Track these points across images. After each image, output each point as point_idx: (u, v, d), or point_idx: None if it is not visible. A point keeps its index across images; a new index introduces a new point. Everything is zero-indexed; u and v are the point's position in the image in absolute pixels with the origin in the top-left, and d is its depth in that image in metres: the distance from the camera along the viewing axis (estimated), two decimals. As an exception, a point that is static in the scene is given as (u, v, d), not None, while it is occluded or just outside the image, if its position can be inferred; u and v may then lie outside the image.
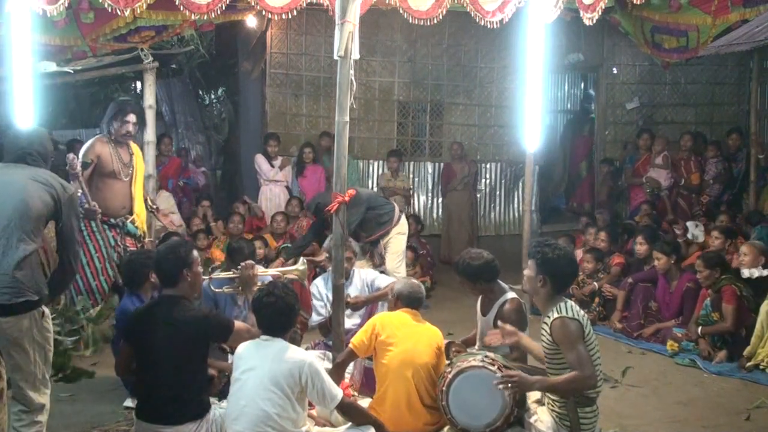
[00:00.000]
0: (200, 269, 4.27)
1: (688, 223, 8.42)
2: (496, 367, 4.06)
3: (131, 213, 6.11)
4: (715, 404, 5.35)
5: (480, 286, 4.76)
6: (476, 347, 4.90)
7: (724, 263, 6.55)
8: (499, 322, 4.46)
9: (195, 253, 4.23)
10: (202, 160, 11.99)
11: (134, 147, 6.24)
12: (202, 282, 4.40)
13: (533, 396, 4.17)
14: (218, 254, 7.97)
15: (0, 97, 7.63)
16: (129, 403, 4.87)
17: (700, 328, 6.38)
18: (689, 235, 8.13)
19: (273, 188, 9.71)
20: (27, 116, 6.03)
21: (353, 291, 5.84)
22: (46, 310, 3.89)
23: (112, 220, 5.96)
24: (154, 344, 3.90)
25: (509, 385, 3.88)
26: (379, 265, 7.32)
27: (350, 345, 4.55)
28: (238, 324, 4.08)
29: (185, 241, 4.72)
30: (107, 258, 5.95)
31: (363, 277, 5.89)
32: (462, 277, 4.80)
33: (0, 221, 3.76)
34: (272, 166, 9.71)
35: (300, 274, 5.47)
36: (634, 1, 6.66)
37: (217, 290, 4.98)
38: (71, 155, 5.88)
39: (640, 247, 7.46)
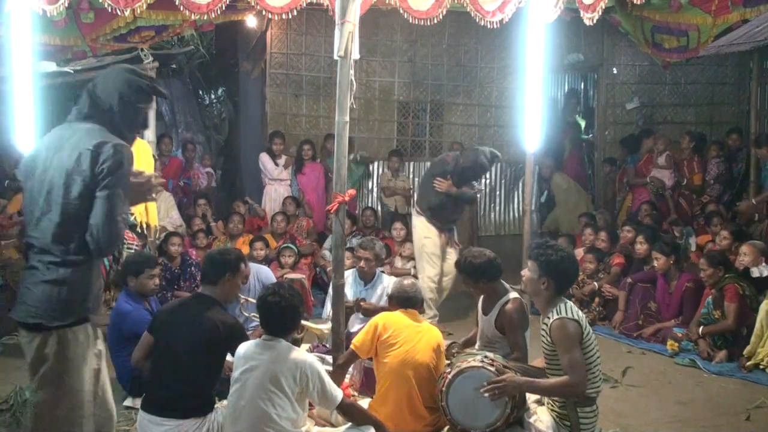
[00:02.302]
0: (241, 283, 4.33)
1: (685, 230, 8.46)
2: (495, 367, 4.06)
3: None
4: (715, 404, 5.36)
5: (482, 284, 4.75)
6: (476, 347, 4.91)
7: (728, 262, 6.56)
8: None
9: (244, 266, 4.40)
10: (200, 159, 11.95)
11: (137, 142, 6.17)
12: (237, 293, 4.47)
13: (533, 396, 4.17)
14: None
15: (0, 97, 7.64)
16: (128, 402, 4.87)
17: (701, 329, 6.38)
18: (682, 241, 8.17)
19: (277, 188, 9.71)
20: (27, 116, 6.04)
21: (374, 297, 5.81)
22: None
23: None
24: (178, 338, 3.95)
25: (496, 392, 3.90)
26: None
27: (352, 346, 4.54)
28: None
29: (240, 252, 4.73)
30: None
31: (385, 285, 5.80)
32: (464, 275, 4.80)
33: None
34: (276, 164, 9.70)
35: (320, 333, 5.44)
36: (635, 1, 6.65)
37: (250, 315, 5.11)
38: None
39: (640, 246, 7.46)
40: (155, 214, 6.40)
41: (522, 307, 4.65)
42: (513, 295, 4.71)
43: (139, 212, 6.23)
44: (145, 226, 6.30)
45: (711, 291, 6.47)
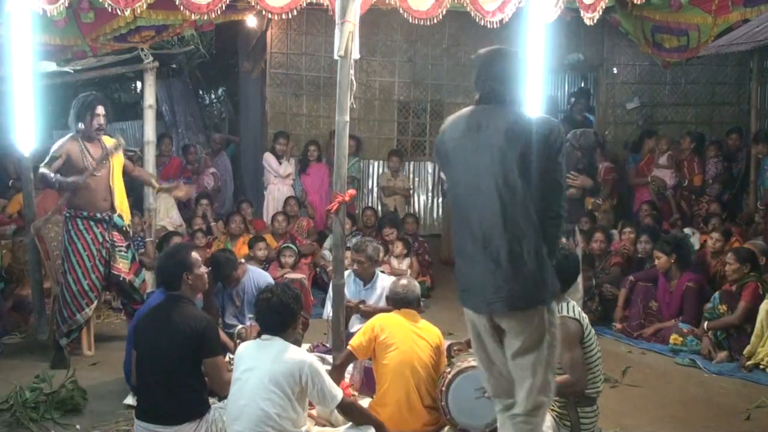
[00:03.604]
0: (202, 269, 4.30)
1: (686, 230, 8.45)
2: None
3: (113, 208, 6.02)
4: (715, 404, 5.36)
5: None
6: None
7: (755, 260, 6.55)
8: None
9: (194, 254, 4.30)
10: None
11: (108, 140, 6.08)
12: (204, 283, 4.42)
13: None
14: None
15: (0, 97, 7.65)
16: (129, 400, 4.87)
17: (705, 323, 6.39)
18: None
19: (281, 187, 9.70)
20: (27, 116, 6.05)
21: (373, 297, 5.81)
22: None
23: (98, 215, 5.91)
24: (154, 344, 3.93)
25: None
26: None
27: (349, 347, 4.54)
28: (222, 359, 4.12)
29: (184, 245, 4.75)
30: (96, 255, 5.90)
31: (384, 285, 5.73)
32: None
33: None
34: (281, 164, 9.70)
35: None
36: (635, 1, 6.65)
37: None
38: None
39: (645, 246, 7.47)
40: (128, 209, 6.33)
41: None
42: None
43: (124, 211, 6.20)
44: (128, 225, 6.26)
45: (731, 287, 6.46)
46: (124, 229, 6.11)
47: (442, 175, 3.17)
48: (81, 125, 5.88)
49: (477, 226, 3.29)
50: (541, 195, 3.25)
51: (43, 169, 5.74)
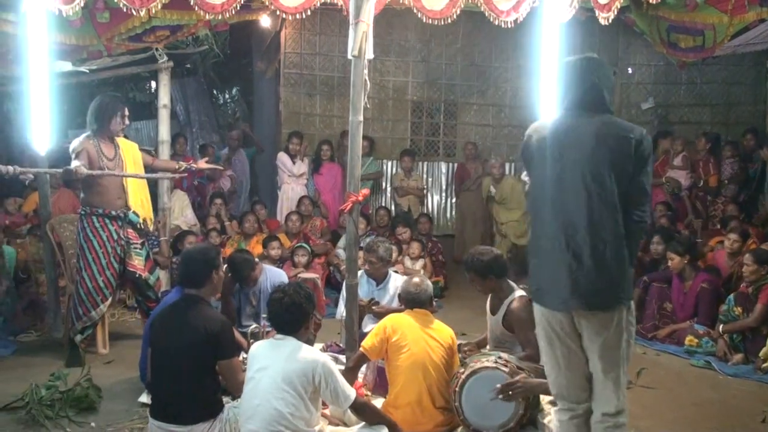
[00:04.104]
0: (222, 272, 4.34)
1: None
2: (508, 368, 4.05)
3: (127, 205, 6.06)
4: (730, 406, 5.32)
5: (490, 282, 4.74)
6: (488, 348, 4.90)
7: None
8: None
9: (220, 256, 4.39)
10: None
11: (120, 141, 6.13)
12: (220, 285, 4.45)
13: (547, 396, 4.15)
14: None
15: (16, 96, 7.70)
16: (144, 399, 4.89)
17: (721, 326, 6.35)
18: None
19: (294, 187, 9.71)
20: (43, 115, 6.09)
21: (386, 297, 5.81)
22: None
23: (113, 212, 5.95)
24: (170, 344, 3.94)
25: (510, 393, 3.90)
26: None
27: (361, 348, 4.51)
28: (237, 360, 4.12)
29: (213, 245, 4.75)
30: (111, 252, 5.94)
31: (397, 285, 5.71)
32: (472, 273, 4.79)
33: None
34: (294, 163, 9.71)
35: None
36: (650, 1, 6.61)
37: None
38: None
39: (657, 247, 7.42)
40: (150, 207, 6.38)
41: (529, 304, 4.63)
42: (519, 293, 4.70)
43: (144, 208, 6.24)
44: (143, 223, 6.29)
45: (747, 288, 6.41)
46: (138, 226, 6.15)
47: (525, 177, 3.29)
48: (104, 125, 5.94)
49: (562, 226, 3.39)
50: (629, 200, 3.39)
51: (75, 162, 5.75)
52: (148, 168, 6.40)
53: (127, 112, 6.08)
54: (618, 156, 3.35)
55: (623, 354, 3.41)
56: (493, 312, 4.82)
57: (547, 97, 5.94)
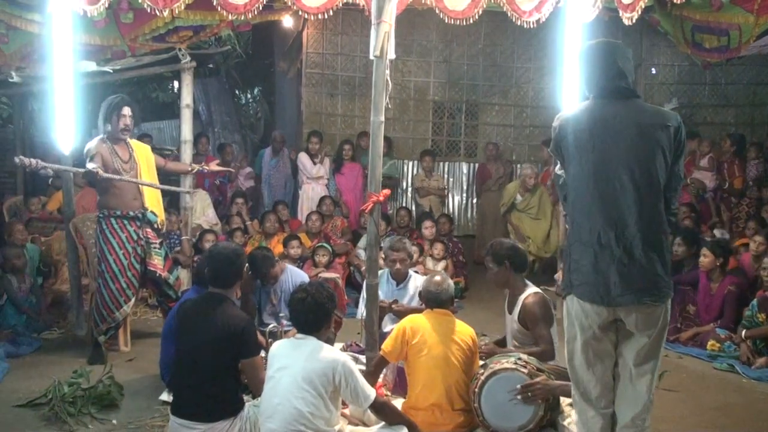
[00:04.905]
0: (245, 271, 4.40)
1: (715, 231, 8.32)
2: (528, 370, 4.03)
3: (144, 206, 6.09)
4: (754, 410, 5.26)
5: (504, 271, 4.72)
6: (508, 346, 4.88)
7: None
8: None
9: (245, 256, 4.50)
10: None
11: (133, 143, 6.16)
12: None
13: (567, 398, 4.13)
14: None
15: (41, 96, 7.78)
16: (165, 397, 4.92)
17: (743, 332, 6.28)
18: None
19: (315, 187, 9.72)
20: (67, 115, 6.16)
21: (406, 297, 5.78)
22: None
23: (131, 213, 5.98)
24: (193, 341, 3.96)
25: (529, 394, 3.88)
26: None
27: (381, 352, 4.48)
28: (260, 359, 4.14)
29: (241, 246, 4.78)
30: (132, 253, 5.97)
31: (417, 285, 5.65)
32: (488, 257, 4.78)
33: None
34: (314, 164, 9.72)
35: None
36: (675, 1, 6.56)
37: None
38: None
39: (678, 248, 7.36)
40: (162, 208, 6.41)
41: (543, 301, 4.61)
42: (533, 290, 4.68)
43: (158, 210, 6.27)
44: (160, 223, 6.32)
45: (766, 293, 6.35)
46: (156, 226, 6.18)
47: (559, 171, 3.18)
48: (108, 126, 5.96)
49: (610, 220, 3.33)
50: (667, 188, 3.38)
51: (90, 164, 5.79)
52: (160, 170, 6.43)
53: (126, 112, 5.97)
54: (662, 148, 3.33)
55: (661, 351, 3.41)
56: (510, 310, 4.81)
57: (569, 97, 5.90)
